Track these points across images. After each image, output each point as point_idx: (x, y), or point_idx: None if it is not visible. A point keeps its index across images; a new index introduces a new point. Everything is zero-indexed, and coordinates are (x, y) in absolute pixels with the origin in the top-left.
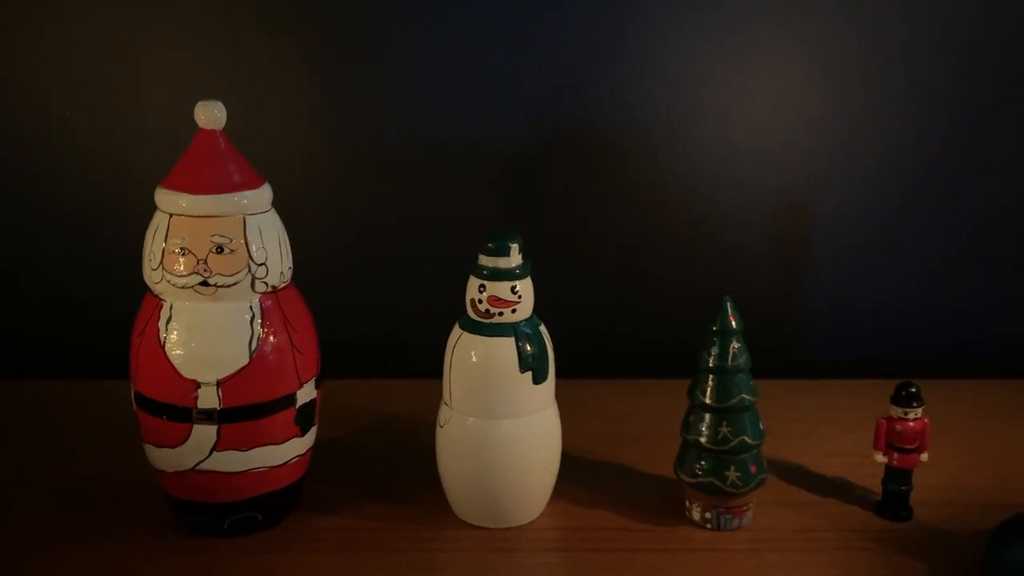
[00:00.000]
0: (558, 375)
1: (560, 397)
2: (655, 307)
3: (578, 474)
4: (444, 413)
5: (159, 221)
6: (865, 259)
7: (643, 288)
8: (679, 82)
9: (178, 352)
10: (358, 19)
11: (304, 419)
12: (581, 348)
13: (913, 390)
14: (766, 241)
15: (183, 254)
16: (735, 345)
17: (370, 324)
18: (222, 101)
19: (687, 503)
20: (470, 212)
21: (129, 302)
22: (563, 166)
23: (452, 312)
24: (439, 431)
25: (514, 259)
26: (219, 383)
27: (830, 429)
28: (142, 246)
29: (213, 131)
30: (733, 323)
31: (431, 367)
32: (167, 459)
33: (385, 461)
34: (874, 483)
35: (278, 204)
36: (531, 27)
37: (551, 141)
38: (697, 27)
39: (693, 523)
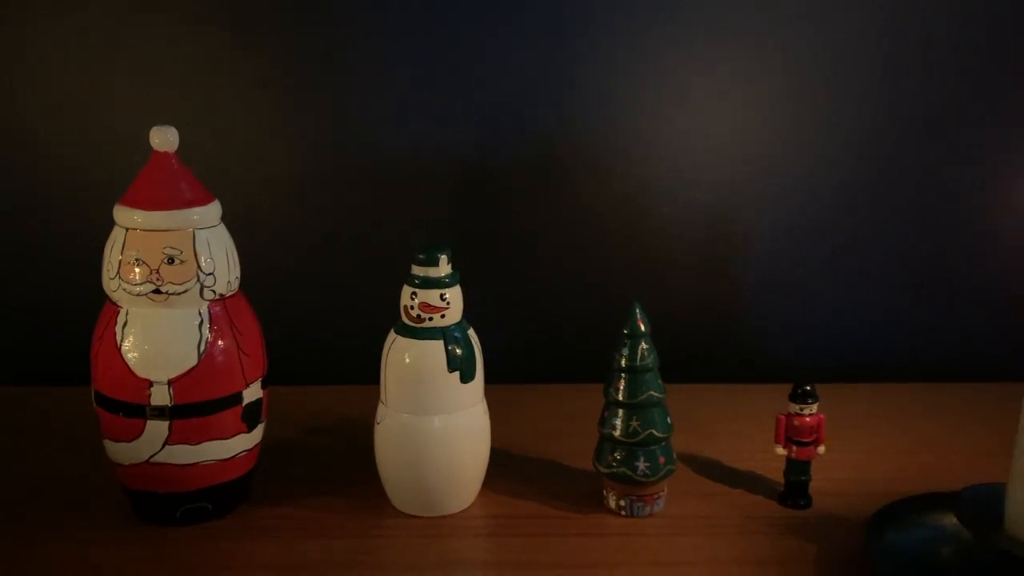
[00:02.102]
0: (499, 380)
1: (498, 400)
2: (593, 316)
3: (509, 469)
4: (381, 411)
5: (116, 235)
6: (791, 271)
7: (581, 298)
8: (618, 102)
9: (133, 354)
10: (305, 39)
11: (250, 416)
12: (521, 354)
13: (808, 388)
14: (699, 253)
15: (138, 265)
16: (643, 347)
17: (316, 332)
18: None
19: (604, 492)
20: (412, 226)
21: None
22: (506, 181)
23: (392, 321)
24: (376, 428)
25: (443, 269)
26: (170, 382)
27: (751, 428)
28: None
29: (166, 153)
30: (642, 327)
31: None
32: (124, 452)
33: (328, 459)
34: (782, 476)
35: (230, 218)
36: (478, 49)
37: (494, 158)
38: (635, 48)
39: (609, 510)
